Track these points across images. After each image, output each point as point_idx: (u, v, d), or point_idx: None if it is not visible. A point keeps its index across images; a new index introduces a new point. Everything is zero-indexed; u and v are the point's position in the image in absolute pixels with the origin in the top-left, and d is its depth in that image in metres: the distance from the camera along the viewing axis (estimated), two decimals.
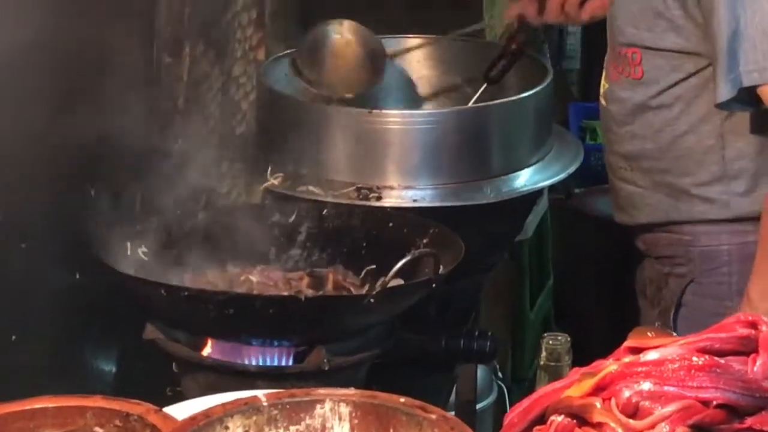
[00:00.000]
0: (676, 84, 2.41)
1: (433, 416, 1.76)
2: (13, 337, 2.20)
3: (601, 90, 2.60)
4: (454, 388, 2.71)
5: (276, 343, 2.19)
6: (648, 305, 2.64)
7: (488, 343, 2.46)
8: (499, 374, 3.11)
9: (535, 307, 3.83)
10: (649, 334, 1.35)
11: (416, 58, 2.98)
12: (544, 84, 2.69)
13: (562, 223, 4.05)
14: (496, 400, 3.23)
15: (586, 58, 4.67)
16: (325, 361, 2.15)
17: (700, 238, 2.43)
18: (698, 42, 2.34)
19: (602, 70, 4.79)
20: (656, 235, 2.52)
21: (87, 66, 2.38)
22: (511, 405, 1.71)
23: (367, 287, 2.34)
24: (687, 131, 2.42)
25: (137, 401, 1.82)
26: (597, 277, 3.96)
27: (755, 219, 2.31)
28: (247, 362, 2.19)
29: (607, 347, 1.52)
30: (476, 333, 2.49)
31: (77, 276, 2.34)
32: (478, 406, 2.95)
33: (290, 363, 2.20)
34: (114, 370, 2.48)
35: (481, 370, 2.85)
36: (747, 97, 2.25)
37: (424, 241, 2.35)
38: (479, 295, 2.87)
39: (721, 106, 2.30)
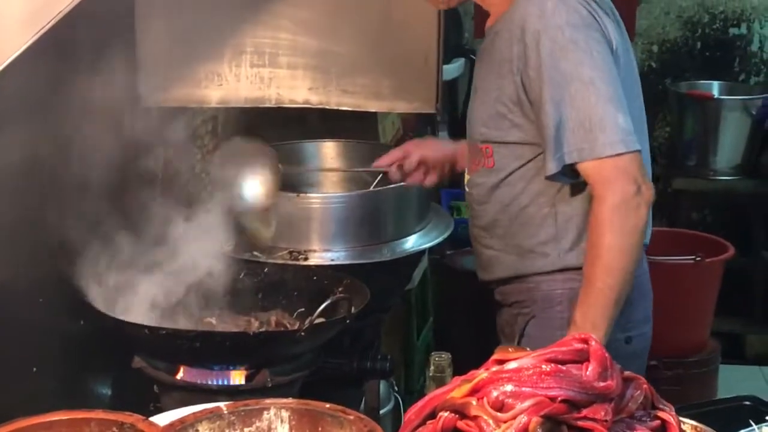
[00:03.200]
0: (519, 168, 2.34)
1: (352, 417, 1.74)
2: (34, 369, 2.15)
3: (465, 180, 2.52)
4: (363, 398, 2.69)
5: (232, 368, 2.16)
6: (506, 341, 2.58)
7: (387, 364, 2.44)
8: (395, 387, 3.07)
9: (420, 337, 3.82)
10: (509, 349, 1.35)
11: (330, 156, 2.98)
12: None
13: (439, 275, 4.04)
14: (394, 408, 3.22)
15: None
16: (269, 380, 2.12)
17: (540, 285, 2.37)
18: (534, 135, 2.26)
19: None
20: (508, 287, 2.45)
21: (80, 163, 2.33)
22: (405, 410, 1.70)
23: (298, 324, 2.32)
24: (528, 203, 2.34)
25: (129, 413, 1.77)
26: (466, 316, 3.96)
27: (578, 269, 2.29)
28: (210, 383, 2.15)
29: (476, 365, 1.51)
30: (378, 356, 2.47)
31: (81, 322, 2.29)
32: (381, 412, 2.93)
33: (243, 382, 2.16)
34: (109, 392, 2.43)
35: (382, 385, 2.83)
36: (570, 172, 2.22)
37: (340, 289, 2.34)
38: (380, 329, 2.85)
39: (551, 178, 2.26)
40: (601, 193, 2.18)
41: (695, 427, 1.70)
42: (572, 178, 2.25)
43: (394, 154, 2.66)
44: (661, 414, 1.31)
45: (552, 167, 2.20)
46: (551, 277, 2.36)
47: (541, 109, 2.19)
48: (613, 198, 2.16)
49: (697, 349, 3.80)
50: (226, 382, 2.16)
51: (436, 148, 2.68)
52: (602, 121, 2.14)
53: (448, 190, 4.42)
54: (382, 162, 2.65)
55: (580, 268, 2.28)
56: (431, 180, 2.64)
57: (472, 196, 2.46)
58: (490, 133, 2.35)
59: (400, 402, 3.26)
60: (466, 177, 2.49)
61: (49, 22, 1.85)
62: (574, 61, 2.17)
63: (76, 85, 2.34)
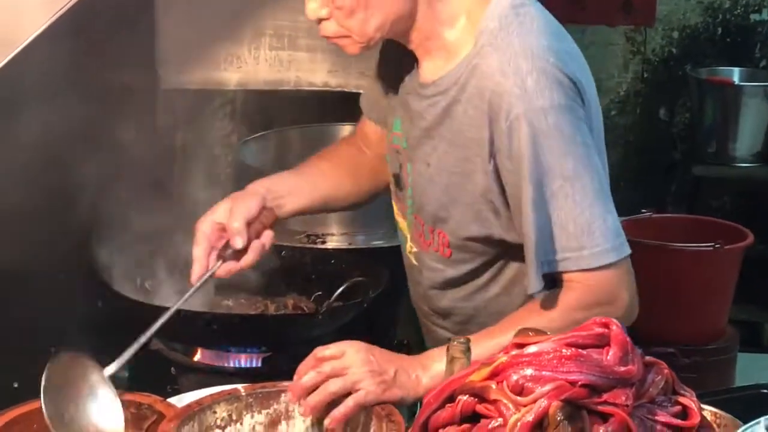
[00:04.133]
0: (482, 264, 1.93)
1: None
2: (52, 349, 2.15)
3: (407, 247, 2.05)
4: None
5: (249, 350, 2.16)
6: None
7: (404, 350, 2.43)
8: None
9: None
10: (530, 333, 1.34)
11: None
12: None
13: None
14: None
15: None
16: (286, 363, 2.12)
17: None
18: (501, 232, 1.87)
19: None
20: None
21: (102, 144, 2.34)
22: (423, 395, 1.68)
23: (316, 308, 2.31)
24: (499, 293, 1.94)
25: (147, 394, 1.78)
26: None
27: None
28: (227, 365, 2.16)
29: None
30: (395, 342, 2.47)
31: (100, 304, 2.30)
32: None
33: (259, 365, 2.17)
34: (127, 374, 2.42)
35: None
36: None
37: (357, 273, 2.33)
38: (398, 314, 2.84)
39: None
40: (587, 305, 1.79)
41: (714, 414, 1.69)
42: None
43: (204, 245, 1.93)
44: (681, 399, 1.30)
45: (535, 285, 1.78)
46: None
47: (521, 215, 1.79)
48: (596, 311, 1.70)
49: (715, 337, 3.79)
50: (242, 365, 2.16)
51: (250, 203, 1.97)
52: (589, 226, 1.78)
53: None
54: (199, 273, 1.92)
55: None
56: (267, 241, 1.97)
57: (421, 274, 2.03)
58: (448, 224, 1.91)
59: None
60: (409, 246, 2.04)
61: (68, 3, 1.85)
62: (557, 153, 1.76)
63: (95, 66, 2.35)
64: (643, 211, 3.91)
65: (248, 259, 1.92)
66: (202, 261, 1.90)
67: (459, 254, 1.93)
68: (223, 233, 1.93)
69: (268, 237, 1.95)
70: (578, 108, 1.80)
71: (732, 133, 4.65)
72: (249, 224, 1.92)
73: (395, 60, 1.96)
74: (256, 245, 1.93)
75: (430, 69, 1.89)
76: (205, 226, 1.92)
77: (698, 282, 3.66)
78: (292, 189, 2.04)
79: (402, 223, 2.05)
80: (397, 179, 2.02)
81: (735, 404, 1.77)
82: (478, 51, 1.81)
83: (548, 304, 1.79)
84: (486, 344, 1.69)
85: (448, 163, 1.88)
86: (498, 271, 1.94)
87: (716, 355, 3.74)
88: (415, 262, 2.04)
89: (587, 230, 1.78)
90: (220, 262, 1.89)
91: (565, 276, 1.81)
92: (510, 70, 1.77)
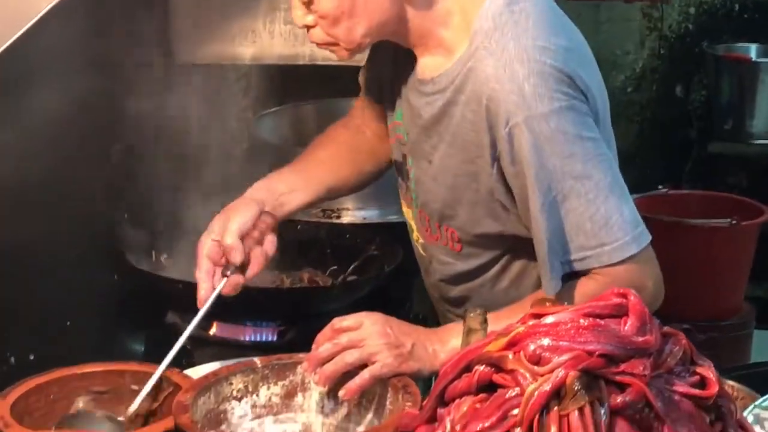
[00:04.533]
0: (493, 258, 1.92)
1: None
2: (68, 323, 2.16)
3: (414, 236, 2.02)
4: None
5: (265, 324, 2.16)
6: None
7: (421, 325, 2.43)
8: None
9: None
10: (547, 303, 1.33)
11: None
12: None
13: None
14: None
15: None
16: (302, 337, 2.12)
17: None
18: (512, 226, 1.84)
19: None
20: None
21: (116, 120, 2.34)
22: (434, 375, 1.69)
23: (331, 282, 2.31)
24: (509, 286, 1.93)
25: None
26: None
27: None
28: (243, 339, 2.16)
29: None
30: (410, 316, 2.47)
31: (115, 277, 2.30)
32: None
33: (275, 339, 2.17)
34: (143, 348, 2.43)
35: None
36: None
37: (372, 247, 2.33)
38: (413, 289, 2.84)
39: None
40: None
41: (732, 387, 1.69)
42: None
43: (206, 267, 1.86)
44: (700, 369, 1.29)
45: (552, 287, 1.75)
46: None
47: (532, 220, 1.76)
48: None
49: (731, 313, 3.77)
50: (258, 338, 2.16)
51: (245, 214, 1.90)
52: (606, 221, 1.74)
53: None
54: (204, 296, 1.85)
55: None
56: (270, 249, 1.92)
57: (431, 265, 2.02)
58: (456, 221, 1.89)
59: None
60: (417, 236, 2.03)
61: None
62: (563, 155, 1.72)
63: (109, 41, 2.34)
64: (660, 187, 3.90)
65: (252, 270, 1.87)
66: (206, 283, 1.84)
67: (469, 249, 1.91)
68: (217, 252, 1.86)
69: (270, 244, 1.90)
70: (581, 104, 1.75)
71: (748, 110, 4.62)
72: (245, 236, 1.86)
73: (395, 49, 1.91)
74: (257, 254, 1.87)
75: (428, 65, 1.85)
76: (204, 247, 1.85)
77: (714, 258, 3.65)
78: (293, 185, 2.00)
79: (407, 212, 2.02)
80: (400, 169, 1.99)
81: (751, 380, 1.76)
82: (473, 53, 1.76)
83: (566, 295, 1.74)
84: (504, 323, 1.56)
85: (451, 164, 1.84)
86: (507, 264, 1.92)
87: (732, 331, 3.73)
88: (423, 252, 2.01)
89: (605, 226, 1.74)
90: (225, 279, 1.83)
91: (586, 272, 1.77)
92: (506, 76, 1.71)
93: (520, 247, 1.87)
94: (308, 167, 2.05)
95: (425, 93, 1.85)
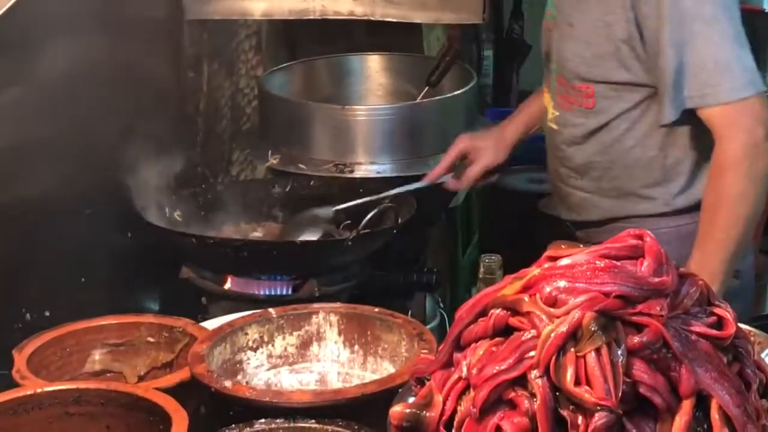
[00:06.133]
0: (624, 111, 2.16)
1: (400, 320, 1.74)
2: (83, 279, 2.16)
3: (549, 116, 2.30)
4: (409, 312, 2.68)
5: (279, 278, 2.16)
6: None
7: (433, 278, 2.44)
8: (441, 304, 3.07)
9: (465, 255, 3.80)
10: (562, 246, 1.32)
11: (375, 70, 2.95)
12: (471, 85, 2.68)
13: (486, 194, 4.01)
14: (439, 324, 3.21)
15: (497, 76, 4.62)
16: (316, 290, 2.12)
17: (642, 225, 2.04)
18: (643, 76, 2.10)
19: (508, 86, 4.63)
20: (600, 228, 2.25)
21: (127, 77, 2.33)
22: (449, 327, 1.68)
23: (345, 235, 2.31)
24: (633, 145, 2.16)
25: (178, 317, 1.79)
26: (512, 236, 3.92)
27: (687, 211, 2.15)
28: (257, 293, 2.16)
29: None
30: (425, 270, 2.47)
31: (129, 234, 2.30)
32: (427, 327, 2.92)
33: (289, 292, 2.16)
34: (157, 305, 2.44)
35: (428, 301, 2.82)
36: (685, 115, 2.07)
37: (386, 200, 2.32)
38: (426, 245, 2.84)
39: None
40: (726, 138, 2.01)
41: (750, 332, 1.68)
42: (686, 122, 2.10)
43: (448, 159, 2.45)
44: (717, 310, 1.28)
45: (670, 114, 2.05)
46: (655, 219, 2.19)
47: (660, 52, 2.02)
48: (739, 143, 1.99)
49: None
50: (272, 292, 2.16)
51: (491, 142, 2.47)
52: (728, 63, 1.99)
53: (493, 108, 4.38)
54: (436, 172, 2.44)
55: (687, 211, 2.15)
56: (489, 179, 2.52)
57: (561, 135, 2.27)
58: (592, 73, 2.16)
59: (446, 318, 3.26)
60: (551, 113, 2.29)
61: None
62: None
63: None
64: None
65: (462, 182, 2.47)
66: (442, 166, 2.43)
67: (602, 102, 2.16)
68: (469, 152, 2.44)
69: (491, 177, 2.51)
70: None
71: (762, 62, 4.58)
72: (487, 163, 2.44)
73: None
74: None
75: None
76: (463, 142, 2.45)
77: None
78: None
79: (547, 97, 2.31)
80: (547, 56, 2.29)
81: (766, 331, 1.76)
82: None
83: (717, 185, 2.01)
84: (707, 252, 2.01)
85: (590, 18, 2.13)
86: (634, 122, 2.15)
87: None
88: (555, 126, 2.28)
89: (726, 68, 1.99)
90: (451, 174, 2.43)
91: (706, 116, 2.02)
92: None
93: (648, 103, 2.12)
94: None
95: None
